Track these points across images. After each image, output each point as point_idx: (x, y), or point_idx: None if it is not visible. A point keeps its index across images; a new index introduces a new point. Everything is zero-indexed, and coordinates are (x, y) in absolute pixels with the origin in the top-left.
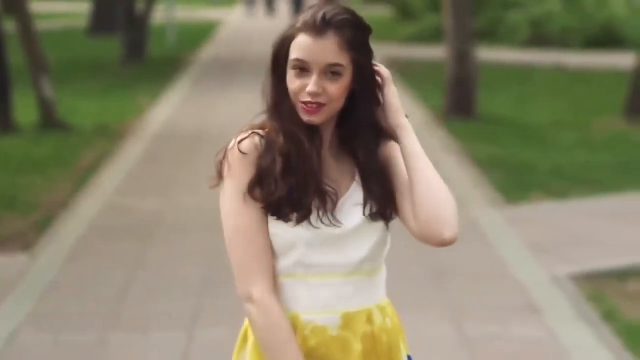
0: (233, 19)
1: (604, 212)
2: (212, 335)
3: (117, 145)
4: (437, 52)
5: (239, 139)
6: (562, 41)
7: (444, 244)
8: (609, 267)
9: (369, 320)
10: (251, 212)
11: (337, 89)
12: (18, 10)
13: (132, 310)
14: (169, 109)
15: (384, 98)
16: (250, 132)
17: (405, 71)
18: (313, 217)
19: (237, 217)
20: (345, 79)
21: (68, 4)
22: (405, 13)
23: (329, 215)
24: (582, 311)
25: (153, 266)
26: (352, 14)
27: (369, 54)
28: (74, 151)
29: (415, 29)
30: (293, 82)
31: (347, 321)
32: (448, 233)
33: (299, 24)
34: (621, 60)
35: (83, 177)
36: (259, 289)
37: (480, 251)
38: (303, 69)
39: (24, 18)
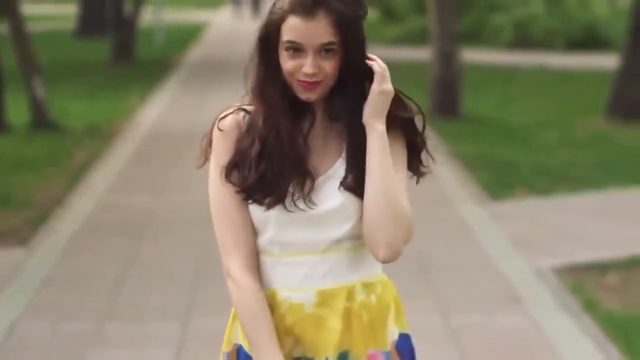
0: (220, 20)
1: (585, 209)
2: (205, 325)
3: (108, 144)
4: (422, 54)
5: (222, 115)
6: (545, 43)
7: (379, 261)
8: (590, 260)
9: (349, 297)
10: (229, 190)
11: (331, 66)
12: (10, 12)
13: (127, 301)
14: (158, 109)
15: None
16: (235, 108)
17: (391, 72)
18: (287, 201)
19: (217, 194)
20: (339, 54)
21: (53, 7)
22: (391, 15)
23: (305, 198)
24: (563, 301)
25: (146, 260)
26: None
27: (359, 30)
28: (66, 150)
29: (400, 30)
30: (287, 62)
31: (324, 298)
32: (382, 254)
33: (287, 5)
34: (603, 61)
35: (75, 176)
36: (235, 265)
37: (465, 245)
38: (297, 49)
39: (16, 20)
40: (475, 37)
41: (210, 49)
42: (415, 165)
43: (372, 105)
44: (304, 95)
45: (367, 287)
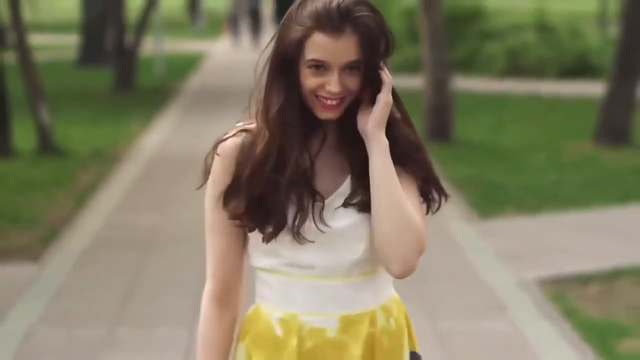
0: (219, 50)
1: (570, 225)
2: None
3: (112, 168)
4: (416, 82)
5: (223, 137)
6: (537, 70)
7: (394, 276)
8: (572, 272)
9: (372, 322)
10: (219, 215)
11: (355, 83)
12: (18, 41)
13: (136, 309)
14: (160, 135)
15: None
16: (237, 129)
17: None
18: (291, 228)
19: (208, 218)
20: (362, 72)
21: (55, 36)
22: None
23: (315, 219)
24: (545, 310)
25: (153, 271)
26: (364, 1)
27: (382, 48)
28: (71, 173)
29: (395, 58)
30: (309, 79)
31: (346, 324)
32: (396, 269)
33: (311, 22)
34: (593, 88)
35: (82, 196)
36: (205, 291)
37: (454, 258)
38: (320, 66)
39: (23, 50)
40: (469, 66)
41: (209, 78)
42: (426, 193)
43: (378, 115)
44: (323, 115)
45: (386, 311)
